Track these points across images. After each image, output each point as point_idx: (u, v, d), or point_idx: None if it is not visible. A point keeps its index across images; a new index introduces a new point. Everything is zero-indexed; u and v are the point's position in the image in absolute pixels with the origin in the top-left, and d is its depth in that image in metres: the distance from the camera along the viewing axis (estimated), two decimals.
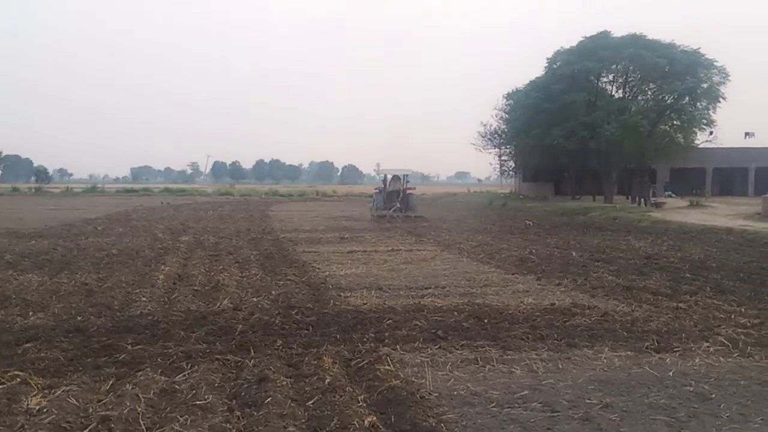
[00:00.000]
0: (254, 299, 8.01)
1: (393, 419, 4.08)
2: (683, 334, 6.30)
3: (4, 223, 20.60)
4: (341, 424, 3.95)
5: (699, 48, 33.09)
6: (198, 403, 4.24)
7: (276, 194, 59.56)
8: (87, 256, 12.07)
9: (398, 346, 5.80)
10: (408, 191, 26.47)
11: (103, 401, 4.31)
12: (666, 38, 34.39)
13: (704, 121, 33.80)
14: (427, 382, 4.85)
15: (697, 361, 5.48)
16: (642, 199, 31.21)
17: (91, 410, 4.14)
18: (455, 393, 4.66)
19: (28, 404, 4.18)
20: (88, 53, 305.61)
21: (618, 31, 35.51)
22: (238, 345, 5.76)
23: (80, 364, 5.18)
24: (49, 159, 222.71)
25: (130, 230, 18.39)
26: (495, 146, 51.46)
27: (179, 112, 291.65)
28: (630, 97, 36.42)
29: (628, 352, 5.71)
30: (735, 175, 47.14)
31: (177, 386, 4.61)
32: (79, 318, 6.89)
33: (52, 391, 4.43)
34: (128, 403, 4.16)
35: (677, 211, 26.64)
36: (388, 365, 5.15)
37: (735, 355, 5.67)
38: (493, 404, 4.43)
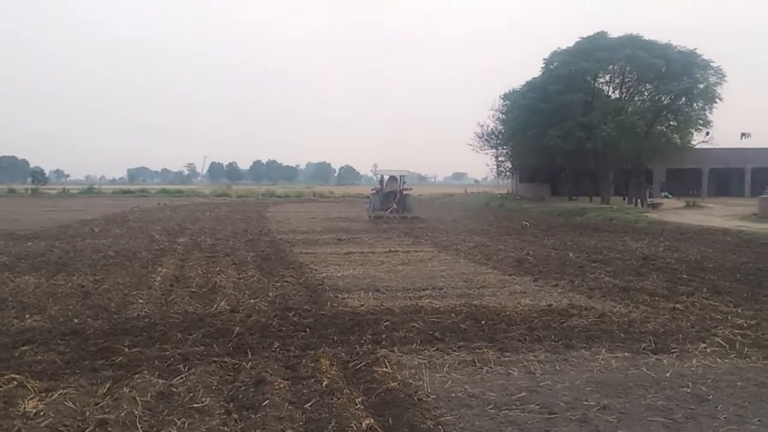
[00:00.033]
0: (251, 301, 8.00)
1: (391, 421, 4.08)
2: (680, 335, 6.32)
3: (0, 224, 20.53)
4: (339, 426, 3.95)
5: (695, 48, 33.29)
6: (195, 405, 4.24)
7: (273, 195, 59.57)
8: (84, 258, 12.04)
9: (396, 348, 5.80)
10: (405, 192, 26.49)
11: (100, 404, 4.29)
12: (663, 39, 34.63)
13: (701, 121, 33.95)
14: (425, 384, 4.85)
15: (694, 362, 5.49)
16: (639, 200, 31.31)
17: (88, 413, 4.12)
18: (453, 395, 4.66)
19: (24, 408, 4.17)
20: (85, 54, 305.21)
21: (616, 31, 35.74)
22: (236, 347, 5.75)
23: (77, 366, 5.16)
24: (46, 160, 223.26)
25: (126, 232, 18.34)
26: (492, 147, 51.34)
27: (176, 114, 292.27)
28: (627, 98, 36.45)
29: (625, 354, 5.72)
30: (731, 175, 47.24)
31: (174, 389, 4.60)
32: (75, 320, 6.87)
33: (49, 395, 4.41)
34: (125, 406, 4.15)
35: (674, 211, 26.71)
36: (386, 367, 5.15)
37: (732, 356, 5.68)
38: (491, 406, 4.43)
